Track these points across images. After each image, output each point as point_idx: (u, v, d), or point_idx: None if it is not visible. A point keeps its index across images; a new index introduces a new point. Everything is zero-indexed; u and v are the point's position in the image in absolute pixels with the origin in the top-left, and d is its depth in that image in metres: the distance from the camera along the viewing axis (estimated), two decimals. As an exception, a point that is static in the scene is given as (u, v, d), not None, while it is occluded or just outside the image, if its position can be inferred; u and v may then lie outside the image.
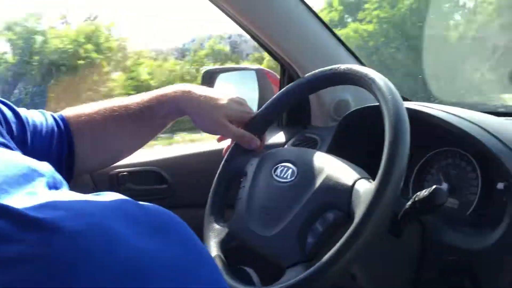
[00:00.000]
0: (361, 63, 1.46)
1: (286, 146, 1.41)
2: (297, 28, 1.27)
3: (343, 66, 0.84)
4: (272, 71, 1.65)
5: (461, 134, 0.91)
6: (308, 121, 1.50)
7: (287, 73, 1.43)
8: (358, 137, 1.11)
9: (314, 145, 1.33)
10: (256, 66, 1.75)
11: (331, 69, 0.86)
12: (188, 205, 1.31)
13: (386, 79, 0.77)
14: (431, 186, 1.08)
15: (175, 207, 1.40)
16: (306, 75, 0.93)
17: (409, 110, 0.98)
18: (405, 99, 1.55)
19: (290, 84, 0.96)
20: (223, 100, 0.96)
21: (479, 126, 0.92)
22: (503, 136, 0.89)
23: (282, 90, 0.96)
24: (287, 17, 1.25)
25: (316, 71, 0.91)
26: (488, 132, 0.90)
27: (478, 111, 1.50)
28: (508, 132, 0.93)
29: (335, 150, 1.17)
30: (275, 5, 1.23)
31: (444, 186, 1.02)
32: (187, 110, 0.96)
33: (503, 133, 0.91)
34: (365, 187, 0.73)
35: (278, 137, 1.47)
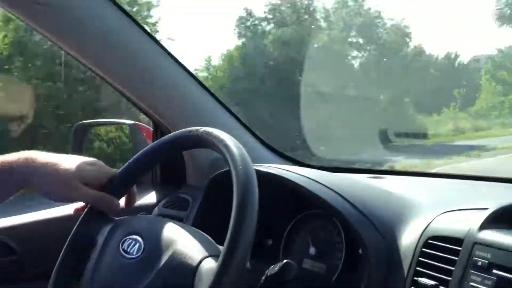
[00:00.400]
0: (240, 122, 1.45)
1: (156, 208, 1.33)
2: (167, 85, 1.23)
3: (202, 129, 0.80)
4: (148, 126, 1.58)
5: (317, 198, 0.91)
6: (184, 179, 1.44)
7: (160, 129, 1.36)
8: (225, 200, 1.07)
9: (185, 206, 1.26)
10: (131, 121, 1.66)
11: (190, 131, 0.82)
12: (40, 278, 1.15)
13: (242, 148, 0.73)
14: (300, 250, 1.08)
15: (25, 281, 1.24)
16: (166, 136, 0.88)
17: (264, 174, 0.98)
18: (284, 156, 1.58)
19: (151, 144, 0.90)
20: (74, 164, 0.87)
21: (330, 188, 0.92)
22: (355, 199, 0.90)
23: (143, 150, 0.90)
24: (154, 73, 1.20)
25: (177, 132, 0.86)
26: (340, 195, 0.90)
27: (350, 168, 1.56)
28: (361, 194, 0.95)
29: (204, 213, 1.11)
30: (141, 62, 1.18)
31: (312, 250, 1.01)
32: (31, 179, 0.85)
33: (355, 195, 0.92)
34: (208, 267, 0.68)
35: (149, 198, 1.38)
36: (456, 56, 19.19)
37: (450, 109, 15.91)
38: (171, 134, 0.87)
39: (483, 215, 0.75)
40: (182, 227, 0.79)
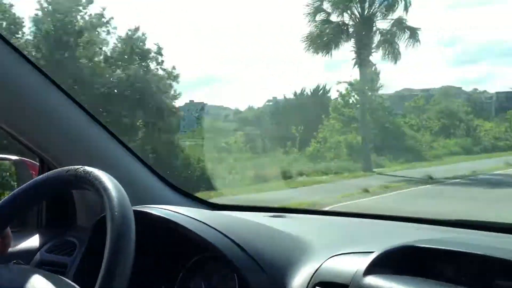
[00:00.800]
0: (140, 160, 1.38)
1: (38, 253, 1.21)
2: (50, 116, 1.14)
3: (81, 169, 0.74)
4: (36, 162, 1.46)
5: (204, 241, 0.88)
6: (73, 221, 1.34)
7: (46, 165, 1.26)
8: None
9: (72, 251, 1.17)
10: (16, 156, 1.53)
11: (68, 170, 0.76)
12: None
13: (122, 190, 0.69)
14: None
15: None
16: (41, 175, 0.81)
17: (154, 217, 0.94)
18: (187, 195, 1.53)
19: (24, 185, 0.82)
20: None
21: (219, 231, 0.90)
22: (245, 241, 0.88)
23: (14, 190, 0.82)
24: (35, 103, 1.11)
25: (54, 171, 0.79)
26: (229, 237, 0.89)
27: (252, 206, 1.56)
28: (253, 236, 0.93)
29: (89, 259, 1.03)
30: (20, 93, 1.09)
31: None
32: None
33: (246, 237, 0.90)
34: None
35: (32, 242, 1.25)
36: (325, 89, 17.31)
37: (287, 149, 13.71)
38: (46, 173, 0.81)
39: (368, 260, 0.77)
40: (50, 279, 0.71)
